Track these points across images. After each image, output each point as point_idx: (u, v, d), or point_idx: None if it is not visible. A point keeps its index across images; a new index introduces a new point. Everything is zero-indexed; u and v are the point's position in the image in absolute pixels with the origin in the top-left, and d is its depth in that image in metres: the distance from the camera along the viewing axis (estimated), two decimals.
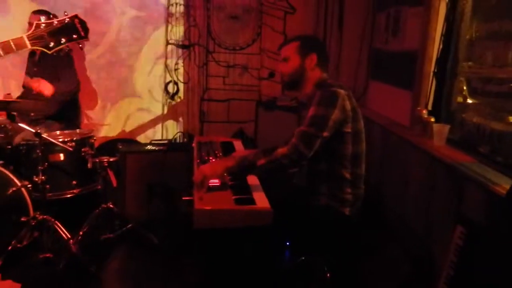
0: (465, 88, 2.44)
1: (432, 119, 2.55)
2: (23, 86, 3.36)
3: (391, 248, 2.51)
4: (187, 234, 2.32)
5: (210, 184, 1.93)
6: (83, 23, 2.12)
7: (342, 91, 1.94)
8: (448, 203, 2.14)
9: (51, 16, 3.37)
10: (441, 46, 2.59)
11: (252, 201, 1.83)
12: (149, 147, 3.24)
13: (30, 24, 3.33)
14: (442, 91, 2.62)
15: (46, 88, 3.03)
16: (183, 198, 2.09)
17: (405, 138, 2.70)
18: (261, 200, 1.85)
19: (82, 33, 2.11)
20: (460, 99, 2.50)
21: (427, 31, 2.65)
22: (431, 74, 2.65)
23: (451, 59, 2.54)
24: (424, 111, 2.63)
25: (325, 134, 1.89)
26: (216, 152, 2.45)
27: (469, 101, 2.41)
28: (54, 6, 3.48)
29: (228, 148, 2.58)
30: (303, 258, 2.04)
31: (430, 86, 2.66)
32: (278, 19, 3.82)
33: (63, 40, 2.09)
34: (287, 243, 2.05)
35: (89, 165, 2.82)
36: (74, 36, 2.11)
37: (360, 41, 3.69)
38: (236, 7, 3.77)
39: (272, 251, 2.03)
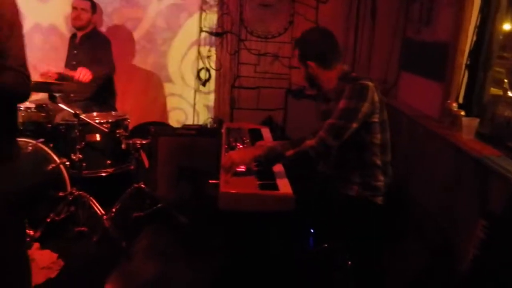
0: (506, 80, 2.39)
1: (462, 113, 2.52)
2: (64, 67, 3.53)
3: (414, 239, 2.53)
4: (212, 216, 2.40)
5: (236, 169, 2.01)
6: None
7: (370, 83, 1.97)
8: (473, 197, 2.14)
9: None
10: (474, 38, 2.54)
11: (275, 187, 1.90)
12: (180, 130, 3.35)
13: (75, 8, 3.49)
14: (474, 84, 2.57)
15: (84, 76, 3.15)
16: (210, 181, 2.17)
17: (433, 131, 2.68)
18: (284, 186, 1.91)
19: None
20: (498, 91, 2.45)
21: (461, 21, 2.59)
22: (463, 66, 2.61)
23: (485, 51, 2.49)
24: (454, 104, 2.60)
25: (354, 125, 1.93)
26: (244, 138, 2.52)
27: (510, 94, 2.35)
28: None
29: (255, 135, 2.64)
30: (326, 245, 2.09)
31: (462, 78, 2.62)
32: (311, 8, 3.81)
33: None
34: (311, 231, 2.11)
35: (123, 146, 2.95)
36: None
37: (393, 31, 3.64)
38: None
39: (296, 237, 2.09)
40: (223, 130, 2.76)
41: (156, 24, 3.93)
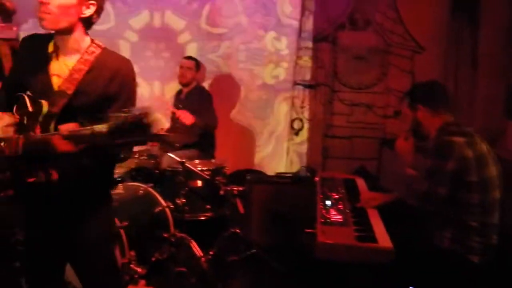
0: None
1: None
2: (171, 118, 3.91)
3: None
4: (306, 263, 2.42)
5: (333, 219, 2.03)
6: None
7: (459, 140, 1.89)
8: None
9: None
10: None
11: (373, 239, 1.88)
12: (274, 178, 3.46)
13: (181, 67, 3.90)
14: None
15: (187, 118, 3.46)
16: (306, 231, 2.21)
17: None
18: (383, 238, 1.88)
19: None
20: None
21: None
22: None
23: None
24: None
25: (441, 190, 1.88)
26: (339, 188, 2.54)
27: None
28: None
29: (350, 185, 2.64)
30: None
31: None
32: (406, 59, 3.81)
33: None
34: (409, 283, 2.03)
35: (221, 192, 3.13)
36: None
37: (496, 77, 3.48)
38: (362, 48, 3.88)
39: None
40: (317, 179, 2.81)
41: (253, 78, 4.21)
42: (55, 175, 1.47)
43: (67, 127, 1.42)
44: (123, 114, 1.25)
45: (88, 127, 1.31)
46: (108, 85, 1.57)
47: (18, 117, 1.52)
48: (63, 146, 1.39)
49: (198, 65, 3.92)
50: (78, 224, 1.65)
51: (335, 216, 2.07)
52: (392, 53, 3.83)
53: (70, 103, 1.54)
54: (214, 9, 4.18)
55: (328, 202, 2.27)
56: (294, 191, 3.26)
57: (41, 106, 1.48)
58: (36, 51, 1.60)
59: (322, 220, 2.04)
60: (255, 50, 4.18)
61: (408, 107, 2.14)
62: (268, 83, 4.21)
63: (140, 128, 1.24)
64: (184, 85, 3.91)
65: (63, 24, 1.52)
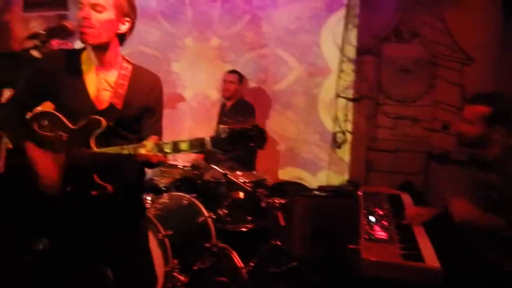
0: None
1: None
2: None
3: None
4: (347, 278, 2.38)
5: (377, 236, 2.00)
6: None
7: None
8: None
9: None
10: None
11: (420, 258, 1.82)
12: (316, 192, 3.45)
13: (225, 81, 3.99)
14: None
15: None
16: (350, 246, 2.18)
17: None
18: (430, 257, 1.82)
19: None
20: None
21: None
22: None
23: None
24: None
25: None
26: (383, 204, 2.49)
27: None
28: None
29: (395, 201, 2.58)
30: None
31: None
32: (454, 71, 3.70)
33: None
34: None
35: (262, 204, 3.16)
36: None
37: None
38: (407, 60, 3.81)
39: None
40: (360, 193, 2.76)
41: (294, 89, 4.22)
42: (110, 188, 1.55)
43: (153, 140, 1.51)
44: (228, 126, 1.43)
45: (189, 139, 1.45)
46: (148, 98, 1.66)
47: (47, 134, 1.60)
48: (157, 158, 1.49)
49: (241, 78, 3.99)
50: (119, 233, 1.72)
51: (380, 233, 2.03)
52: (439, 65, 3.73)
53: (120, 117, 1.62)
54: (256, 21, 4.24)
55: (372, 218, 2.23)
56: (336, 205, 3.22)
57: (97, 122, 1.56)
58: (66, 68, 1.63)
59: (366, 237, 2.01)
60: (297, 62, 4.19)
61: (485, 120, 1.91)
62: (311, 96, 4.20)
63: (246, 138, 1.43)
64: (227, 98, 3.99)
65: (103, 39, 1.60)
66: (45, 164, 1.57)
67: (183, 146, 1.46)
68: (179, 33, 4.52)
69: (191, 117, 4.54)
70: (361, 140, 3.96)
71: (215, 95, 4.48)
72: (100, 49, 1.63)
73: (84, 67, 1.65)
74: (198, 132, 4.47)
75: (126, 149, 1.49)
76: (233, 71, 4.00)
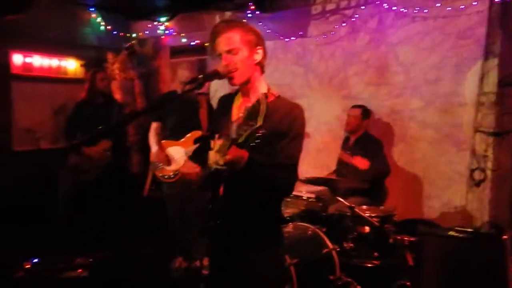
0: None
1: None
2: (338, 162, 3.99)
3: None
4: None
5: None
6: None
7: None
8: None
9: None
10: None
11: None
12: (450, 232, 3.18)
13: (348, 115, 4.00)
14: None
15: (362, 163, 3.45)
16: None
17: None
18: None
19: None
20: None
21: None
22: None
23: None
24: None
25: None
26: None
27: None
28: None
29: None
30: None
31: None
32: None
33: None
34: None
35: (390, 241, 3.04)
36: None
37: None
38: None
39: None
40: (505, 238, 2.49)
41: (426, 121, 4.04)
42: None
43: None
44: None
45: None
46: (280, 123, 1.74)
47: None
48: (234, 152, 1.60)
49: (366, 113, 3.94)
50: (252, 256, 1.81)
51: None
52: None
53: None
54: (388, 53, 4.21)
55: None
56: (475, 249, 2.91)
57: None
58: (226, 108, 1.92)
59: None
60: (431, 93, 4.03)
61: None
62: (445, 129, 3.97)
63: None
64: (350, 132, 3.98)
65: (247, 75, 1.80)
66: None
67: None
68: (306, 71, 4.71)
69: (314, 148, 4.62)
70: (504, 179, 3.58)
71: (338, 128, 4.51)
72: (246, 84, 1.84)
73: (236, 99, 1.92)
74: (319, 162, 4.53)
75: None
76: (357, 106, 3.99)
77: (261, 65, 1.85)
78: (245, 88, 1.84)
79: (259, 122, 1.47)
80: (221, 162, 1.53)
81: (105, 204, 4.54)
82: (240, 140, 1.50)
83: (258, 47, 1.82)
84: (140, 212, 4.45)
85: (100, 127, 3.47)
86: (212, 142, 1.60)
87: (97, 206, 4.18)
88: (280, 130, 1.74)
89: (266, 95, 1.56)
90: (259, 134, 1.48)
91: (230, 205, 1.75)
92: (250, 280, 1.83)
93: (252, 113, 1.49)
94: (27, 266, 3.59)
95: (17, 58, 4.84)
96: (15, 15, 4.10)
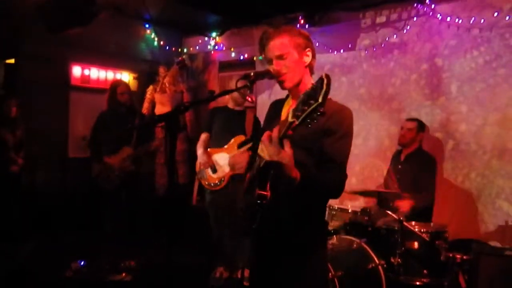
0: None
1: None
2: (386, 176, 3.84)
3: None
4: None
5: None
6: None
7: None
8: None
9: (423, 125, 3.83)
10: None
11: None
12: (507, 252, 2.97)
13: (402, 128, 3.84)
14: None
15: (404, 206, 3.23)
16: None
17: None
18: None
19: None
20: None
21: None
22: None
23: None
24: None
25: None
26: None
27: None
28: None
29: None
30: None
31: None
32: None
33: None
34: None
35: (441, 258, 2.88)
36: None
37: None
38: None
39: None
40: None
41: (481, 136, 3.85)
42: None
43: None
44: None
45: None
46: (328, 120, 1.71)
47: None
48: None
49: (421, 126, 3.77)
50: (296, 260, 1.77)
51: None
52: None
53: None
54: (442, 65, 4.09)
55: None
56: None
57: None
58: (277, 111, 1.92)
59: None
60: (487, 106, 3.85)
61: None
62: (500, 144, 3.76)
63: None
64: (403, 145, 3.81)
65: (297, 78, 1.80)
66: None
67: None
68: (355, 84, 4.66)
69: (361, 161, 4.51)
70: None
71: (387, 142, 4.38)
72: (296, 86, 1.84)
73: (286, 103, 1.93)
74: (365, 176, 4.41)
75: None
76: (413, 119, 3.84)
77: (310, 67, 1.86)
78: (295, 90, 1.84)
79: (320, 99, 1.39)
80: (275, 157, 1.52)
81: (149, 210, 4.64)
82: (297, 121, 1.43)
83: (307, 49, 1.82)
84: (185, 220, 4.51)
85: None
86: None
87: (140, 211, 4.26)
88: (329, 127, 1.71)
89: (328, 76, 1.47)
90: (319, 114, 1.40)
91: (275, 205, 1.72)
92: (293, 285, 1.79)
93: (311, 94, 1.42)
94: (75, 267, 3.74)
95: (76, 70, 5.15)
96: (75, 29, 4.37)
